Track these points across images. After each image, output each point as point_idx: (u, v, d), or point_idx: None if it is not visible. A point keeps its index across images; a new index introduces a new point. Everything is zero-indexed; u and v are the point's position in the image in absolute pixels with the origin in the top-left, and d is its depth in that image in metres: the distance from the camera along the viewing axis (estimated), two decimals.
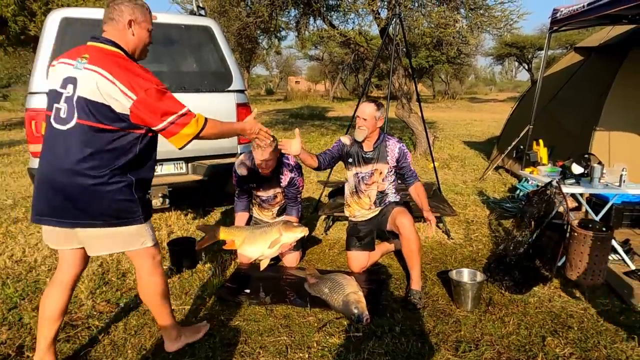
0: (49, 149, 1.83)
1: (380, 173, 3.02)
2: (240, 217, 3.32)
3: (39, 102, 3.44)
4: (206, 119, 1.91)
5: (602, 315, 2.53)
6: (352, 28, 8.18)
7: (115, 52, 1.82)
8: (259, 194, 3.29)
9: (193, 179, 3.91)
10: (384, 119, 2.95)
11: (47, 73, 3.38)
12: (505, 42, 25.70)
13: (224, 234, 2.79)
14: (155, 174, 3.75)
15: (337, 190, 4.33)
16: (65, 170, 1.77)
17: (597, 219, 3.10)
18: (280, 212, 3.33)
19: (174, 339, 2.18)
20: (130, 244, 1.93)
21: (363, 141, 3.00)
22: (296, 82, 49.01)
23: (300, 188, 3.23)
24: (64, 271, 1.98)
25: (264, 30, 9.28)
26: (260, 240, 2.69)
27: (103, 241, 1.88)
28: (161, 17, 3.85)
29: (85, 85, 1.75)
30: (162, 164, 3.82)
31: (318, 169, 3.04)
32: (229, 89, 3.94)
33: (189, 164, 3.91)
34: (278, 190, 3.23)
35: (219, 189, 4.10)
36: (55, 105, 1.79)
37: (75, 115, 1.75)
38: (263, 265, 2.75)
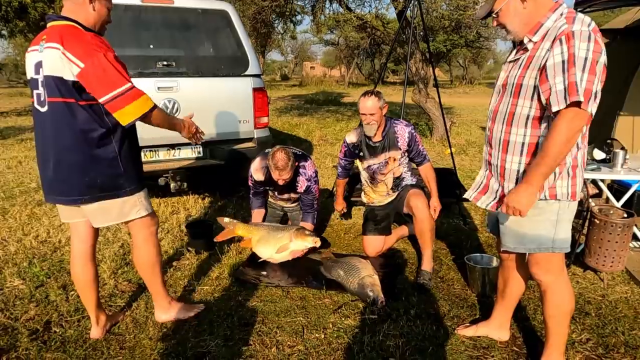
0: (38, 132, 1.93)
1: (394, 160, 2.99)
2: (257, 214, 3.34)
3: None
4: (155, 105, 1.90)
5: (620, 302, 2.51)
6: (369, 11, 8.07)
7: (68, 24, 1.83)
8: (275, 194, 3.33)
9: (210, 163, 3.95)
10: (387, 105, 2.90)
11: None
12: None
13: (242, 230, 2.89)
14: (173, 157, 3.86)
15: (352, 176, 4.32)
16: (51, 150, 1.87)
17: (619, 205, 3.04)
18: (296, 201, 3.36)
19: (165, 310, 2.29)
20: (125, 215, 2.03)
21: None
22: (311, 67, 48.70)
23: (317, 195, 3.23)
24: (77, 243, 2.12)
25: (279, 14, 9.21)
26: (273, 243, 2.81)
27: (99, 213, 1.99)
28: (178, 2, 3.85)
29: (47, 63, 1.80)
30: (179, 148, 3.87)
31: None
32: (246, 73, 3.94)
33: (207, 148, 3.95)
34: (294, 195, 3.27)
35: (236, 173, 4.14)
36: (35, 91, 1.88)
37: (47, 95, 1.83)
38: (270, 260, 2.85)
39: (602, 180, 3.24)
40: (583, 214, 2.79)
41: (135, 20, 3.71)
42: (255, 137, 4.07)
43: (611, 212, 2.73)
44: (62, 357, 2.04)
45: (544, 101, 1.57)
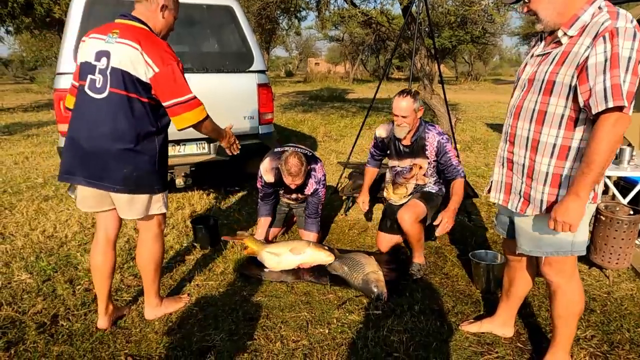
0: (82, 116, 1.97)
1: (421, 168, 2.90)
2: (264, 222, 3.30)
3: (66, 83, 3.51)
4: (207, 115, 2.10)
5: (626, 300, 2.50)
6: (374, 7, 8.04)
7: (144, 28, 1.99)
8: (282, 193, 3.33)
9: (215, 159, 3.96)
10: (423, 108, 2.77)
11: (73, 52, 3.45)
12: (533, 21, 24.80)
13: (250, 242, 2.92)
14: (178, 153, 3.87)
15: (357, 172, 4.33)
16: (97, 135, 1.92)
17: (625, 202, 3.02)
18: (303, 201, 3.36)
19: (154, 308, 2.32)
20: (148, 210, 2.10)
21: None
22: (316, 63, 48.58)
23: (322, 199, 3.18)
24: (102, 231, 2.17)
25: (284, 10, 9.20)
26: (283, 247, 2.81)
27: (127, 205, 2.05)
28: None
29: (118, 57, 1.90)
30: (184, 144, 3.88)
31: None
32: (250, 69, 3.94)
33: (212, 144, 3.96)
34: (301, 196, 3.26)
35: (241, 169, 4.15)
36: (90, 76, 1.94)
37: (109, 85, 1.91)
38: (270, 263, 2.84)
39: (609, 177, 3.22)
40: None
41: None
42: (260, 133, 4.07)
43: (617, 209, 2.72)
44: (69, 350, 2.06)
45: (581, 103, 1.46)
